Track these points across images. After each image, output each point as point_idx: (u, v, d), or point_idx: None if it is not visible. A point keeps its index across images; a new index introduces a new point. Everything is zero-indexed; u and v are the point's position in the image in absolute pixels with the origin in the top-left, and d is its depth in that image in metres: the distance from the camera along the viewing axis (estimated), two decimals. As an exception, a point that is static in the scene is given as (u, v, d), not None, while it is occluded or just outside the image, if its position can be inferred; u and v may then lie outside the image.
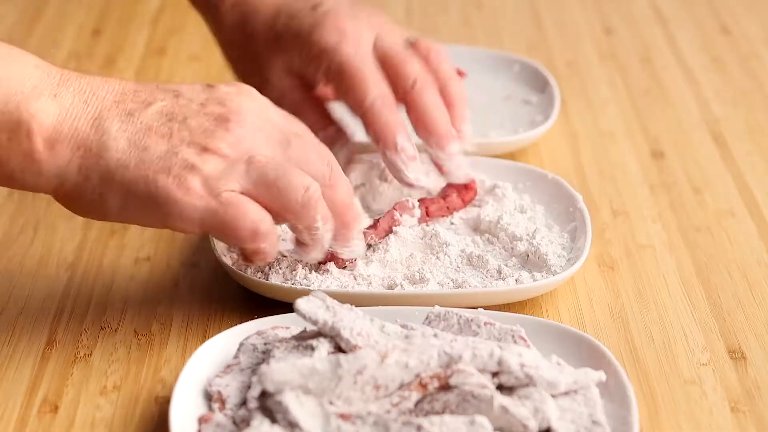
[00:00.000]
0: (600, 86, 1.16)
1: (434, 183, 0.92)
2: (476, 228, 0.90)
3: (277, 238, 0.78)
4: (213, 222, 0.75)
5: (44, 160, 0.74)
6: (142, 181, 0.74)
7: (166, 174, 0.74)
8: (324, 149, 0.80)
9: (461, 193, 0.91)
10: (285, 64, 0.92)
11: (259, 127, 0.77)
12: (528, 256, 0.87)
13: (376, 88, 0.89)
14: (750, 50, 1.23)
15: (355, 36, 0.91)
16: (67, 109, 0.74)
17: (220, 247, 0.86)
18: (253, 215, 0.76)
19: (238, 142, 0.76)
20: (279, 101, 0.84)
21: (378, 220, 0.86)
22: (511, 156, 1.02)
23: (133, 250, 0.91)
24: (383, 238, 0.86)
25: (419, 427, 0.67)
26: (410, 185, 0.90)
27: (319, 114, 0.93)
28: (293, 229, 0.79)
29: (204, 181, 0.75)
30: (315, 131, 0.82)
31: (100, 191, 0.75)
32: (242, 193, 0.76)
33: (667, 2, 1.33)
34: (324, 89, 0.94)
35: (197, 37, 1.26)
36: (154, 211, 0.75)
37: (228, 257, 0.86)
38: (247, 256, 0.79)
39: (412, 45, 0.94)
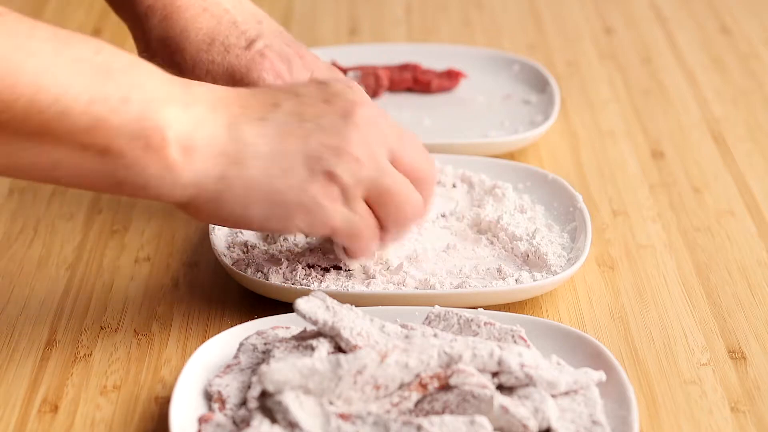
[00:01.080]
0: (600, 86, 1.16)
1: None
2: (476, 228, 0.90)
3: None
4: (346, 229, 0.77)
5: (181, 168, 0.72)
6: (292, 191, 0.74)
7: (312, 182, 0.74)
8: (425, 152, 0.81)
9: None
10: None
11: (378, 121, 0.77)
12: (528, 256, 0.87)
13: None
14: (750, 50, 1.23)
15: (296, 71, 0.90)
16: (199, 117, 0.73)
17: (220, 247, 0.86)
18: (373, 230, 0.78)
19: (365, 141, 0.76)
20: None
21: None
22: (511, 156, 1.02)
23: (133, 250, 0.91)
24: None
25: (419, 427, 0.67)
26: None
27: None
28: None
29: (343, 188, 0.75)
30: None
31: (243, 200, 0.74)
32: (365, 198, 0.77)
33: (667, 2, 1.33)
34: None
35: (197, 37, 1.26)
36: (300, 219, 0.75)
37: (228, 257, 0.86)
38: (352, 255, 0.81)
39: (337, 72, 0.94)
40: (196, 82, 0.75)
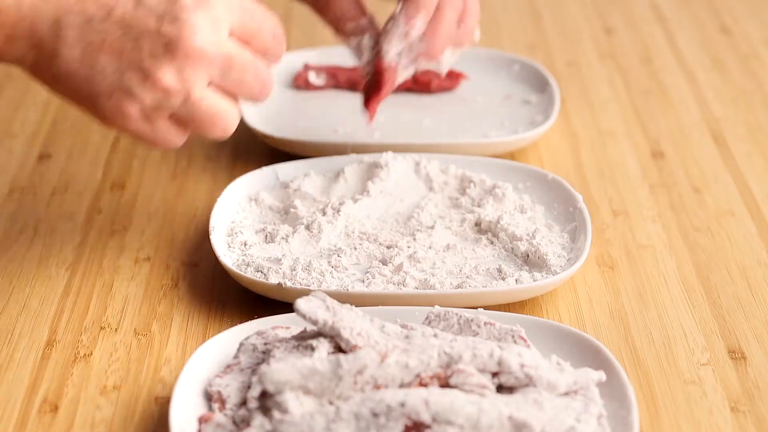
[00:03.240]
0: (600, 86, 1.16)
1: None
2: (476, 228, 0.90)
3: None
4: (140, 139, 0.79)
5: (3, 52, 0.76)
6: (85, 96, 0.77)
7: (107, 97, 0.77)
8: (258, 67, 0.80)
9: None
10: None
11: (205, 51, 0.77)
12: (528, 256, 0.87)
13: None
14: (750, 50, 1.23)
15: None
16: (27, 8, 0.76)
17: (220, 247, 0.86)
18: (176, 141, 0.80)
19: (179, 71, 0.77)
20: None
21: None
22: (511, 156, 1.02)
23: (133, 250, 0.91)
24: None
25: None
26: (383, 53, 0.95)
27: (351, 4, 0.97)
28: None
29: (141, 109, 0.77)
30: (346, 20, 0.88)
31: (51, 85, 0.78)
32: (173, 117, 0.78)
33: (667, 2, 1.33)
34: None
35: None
36: (95, 117, 0.78)
37: (228, 257, 0.86)
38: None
39: None
40: None
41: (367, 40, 0.96)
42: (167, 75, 0.76)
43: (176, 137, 0.80)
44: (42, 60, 0.76)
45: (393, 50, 0.94)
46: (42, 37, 0.76)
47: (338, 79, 1.12)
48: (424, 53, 0.94)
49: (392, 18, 0.93)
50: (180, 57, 0.76)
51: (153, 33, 0.77)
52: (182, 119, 0.78)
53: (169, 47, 0.76)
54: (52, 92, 0.79)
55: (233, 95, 0.79)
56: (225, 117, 0.80)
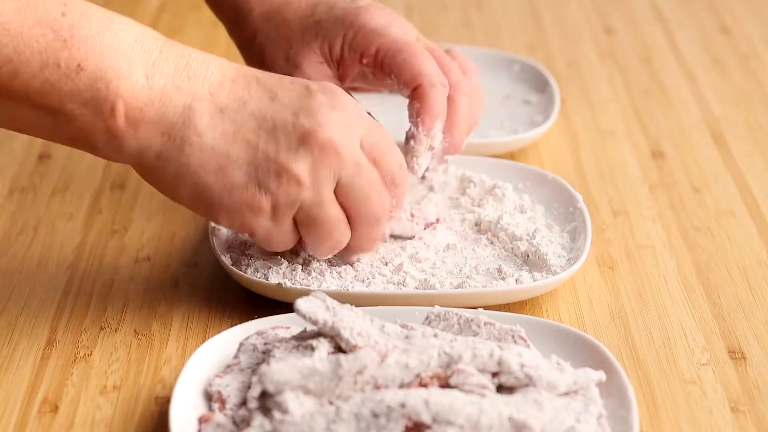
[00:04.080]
0: (600, 86, 1.16)
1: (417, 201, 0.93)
2: (476, 228, 0.90)
3: None
4: (262, 239, 0.79)
5: (126, 138, 0.74)
6: (218, 189, 0.76)
7: (243, 189, 0.76)
8: (382, 187, 0.80)
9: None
10: (321, 50, 0.91)
11: (339, 150, 0.76)
12: (528, 256, 0.87)
13: (434, 68, 0.89)
14: (750, 50, 1.23)
15: (402, 24, 0.91)
16: (158, 93, 0.74)
17: (220, 247, 0.86)
18: (290, 244, 0.80)
19: (314, 168, 0.76)
20: None
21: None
22: (511, 156, 1.02)
23: (133, 250, 0.91)
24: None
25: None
26: (412, 170, 0.90)
27: None
28: None
29: (274, 205, 0.76)
30: None
31: (173, 183, 0.76)
32: (295, 216, 0.78)
33: (667, 2, 1.33)
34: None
35: (197, 37, 1.26)
36: (221, 216, 0.77)
37: (228, 257, 0.86)
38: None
39: (448, 52, 0.93)
40: (179, 50, 0.76)
41: None
42: (302, 168, 0.75)
43: (291, 241, 0.79)
44: (169, 149, 0.74)
45: (423, 167, 0.90)
46: (172, 122, 0.74)
47: None
48: (448, 148, 0.90)
49: (411, 136, 0.88)
50: (315, 149, 0.75)
51: (289, 125, 0.76)
52: (304, 221, 0.77)
53: (304, 140, 0.76)
54: (170, 193, 0.77)
55: (353, 215, 0.79)
56: (341, 232, 0.79)
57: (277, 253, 0.84)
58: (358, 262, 0.84)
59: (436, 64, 0.89)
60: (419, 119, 0.88)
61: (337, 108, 0.77)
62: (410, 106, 0.89)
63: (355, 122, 0.78)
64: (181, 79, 0.75)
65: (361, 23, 0.90)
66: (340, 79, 0.91)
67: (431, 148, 0.89)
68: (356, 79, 0.93)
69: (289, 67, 0.90)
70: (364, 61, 0.90)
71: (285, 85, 0.78)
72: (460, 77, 0.90)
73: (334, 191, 0.78)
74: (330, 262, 0.84)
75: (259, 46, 0.93)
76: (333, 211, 0.78)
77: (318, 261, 0.84)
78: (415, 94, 0.88)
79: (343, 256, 0.84)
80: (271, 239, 0.79)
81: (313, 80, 0.83)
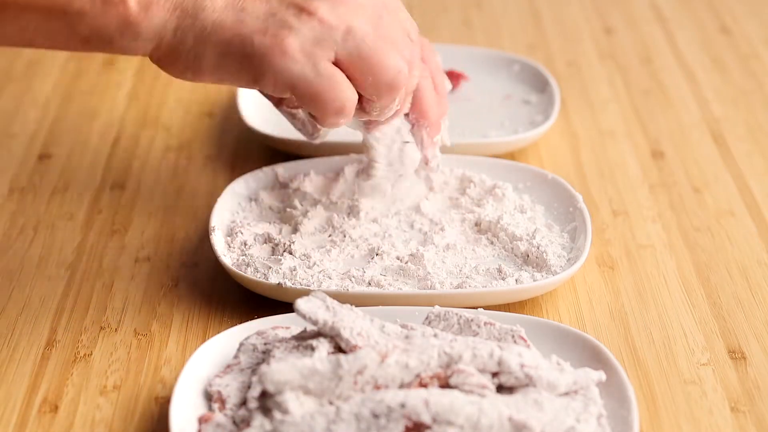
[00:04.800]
0: (600, 86, 1.16)
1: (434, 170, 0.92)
2: (477, 228, 0.90)
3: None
4: (304, 90, 0.75)
5: (140, 23, 0.73)
6: (238, 40, 0.73)
7: (263, 34, 0.73)
8: (408, 33, 0.78)
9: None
10: None
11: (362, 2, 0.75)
12: (528, 256, 0.87)
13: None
14: (750, 50, 1.23)
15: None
16: None
17: (220, 247, 0.86)
18: (345, 93, 0.75)
19: (336, 6, 0.74)
20: None
21: None
22: (511, 156, 1.02)
23: (133, 250, 0.91)
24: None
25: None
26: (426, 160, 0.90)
27: None
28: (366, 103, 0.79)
29: (301, 44, 0.74)
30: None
31: (195, 52, 0.74)
32: (336, 62, 0.75)
33: (667, 2, 1.33)
34: None
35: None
36: (248, 72, 0.74)
37: (228, 257, 0.86)
38: (320, 121, 0.78)
39: None
40: None
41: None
42: (321, 7, 0.73)
43: (346, 87, 0.75)
44: (184, 19, 0.73)
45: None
46: None
47: None
48: (430, 131, 0.90)
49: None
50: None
51: None
52: (349, 59, 0.74)
53: None
54: (194, 67, 0.74)
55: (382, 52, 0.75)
56: (396, 60, 0.75)
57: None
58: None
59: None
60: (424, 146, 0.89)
61: None
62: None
63: None
64: None
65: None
66: None
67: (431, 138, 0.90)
68: None
69: None
70: None
71: None
72: (429, 64, 0.90)
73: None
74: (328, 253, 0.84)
75: None
76: (373, 38, 0.75)
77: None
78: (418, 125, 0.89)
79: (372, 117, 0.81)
80: (313, 88, 0.74)
81: None
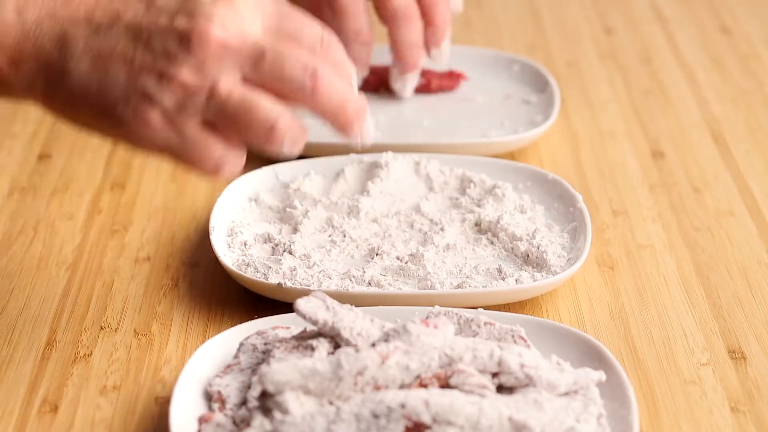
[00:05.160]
0: (600, 86, 1.16)
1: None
2: (477, 228, 0.90)
3: (242, 156, 0.75)
4: (174, 156, 0.73)
5: (11, 78, 0.72)
6: (102, 110, 0.71)
7: (125, 104, 0.71)
8: (300, 55, 0.73)
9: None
10: None
11: (227, 43, 0.71)
12: (528, 256, 0.87)
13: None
14: (750, 50, 1.23)
15: None
16: (32, 25, 0.71)
17: (220, 247, 0.86)
18: (216, 153, 0.73)
19: (199, 66, 0.71)
20: None
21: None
22: (511, 156, 1.02)
23: (133, 250, 0.91)
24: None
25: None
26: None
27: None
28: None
29: (163, 114, 0.71)
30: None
31: (66, 110, 0.73)
32: (206, 122, 0.72)
33: (667, 2, 1.33)
34: None
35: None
36: (119, 137, 0.73)
37: (228, 257, 0.86)
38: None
39: None
40: None
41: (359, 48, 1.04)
42: (184, 71, 0.70)
43: (214, 150, 0.72)
44: (52, 81, 0.71)
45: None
46: (49, 55, 0.71)
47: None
48: (402, 70, 0.99)
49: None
50: (196, 49, 0.70)
51: (165, 30, 0.71)
52: (214, 121, 0.71)
53: (183, 41, 0.70)
54: (73, 123, 0.73)
55: (280, 93, 0.72)
56: (264, 112, 0.71)
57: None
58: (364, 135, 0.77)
59: None
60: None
61: (219, 1, 0.72)
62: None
63: (248, 9, 0.72)
64: (56, 5, 0.72)
65: None
66: None
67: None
68: None
69: None
70: None
71: None
72: None
73: (245, 82, 0.72)
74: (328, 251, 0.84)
75: None
76: (240, 97, 0.71)
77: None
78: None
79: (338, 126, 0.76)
80: (185, 153, 0.72)
81: None
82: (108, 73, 0.71)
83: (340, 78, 0.74)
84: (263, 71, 0.71)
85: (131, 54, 0.71)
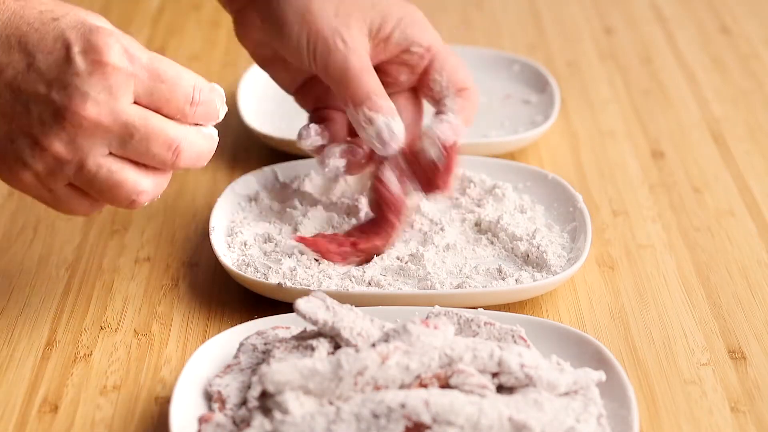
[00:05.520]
0: (600, 86, 1.16)
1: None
2: (477, 228, 0.90)
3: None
4: (47, 205, 0.77)
5: None
6: None
7: (1, 160, 0.75)
8: (166, 133, 0.76)
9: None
10: (371, 22, 0.89)
11: (98, 121, 0.73)
12: (528, 256, 0.87)
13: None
14: (750, 50, 1.23)
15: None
16: None
17: (220, 247, 0.86)
18: (83, 208, 0.77)
19: (71, 141, 0.74)
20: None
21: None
22: (511, 156, 1.02)
23: (133, 250, 0.91)
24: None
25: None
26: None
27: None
28: None
29: (35, 176, 0.75)
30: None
31: None
32: (70, 185, 0.76)
33: (667, 2, 1.33)
34: None
35: (197, 37, 1.26)
36: (10, 184, 0.76)
37: (228, 257, 0.86)
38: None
39: None
40: None
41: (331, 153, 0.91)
42: (56, 143, 0.73)
43: (82, 205, 0.77)
44: None
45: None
46: None
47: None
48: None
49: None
50: (69, 126, 0.73)
51: (42, 99, 0.73)
52: (82, 188, 0.75)
53: (58, 116, 0.73)
54: None
55: (145, 165, 0.76)
56: (129, 187, 0.75)
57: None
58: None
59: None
60: (463, 116, 0.89)
61: (95, 73, 0.73)
62: (450, 102, 0.90)
63: (121, 82, 0.74)
64: None
65: (419, 17, 0.90)
66: (372, 58, 0.89)
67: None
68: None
69: (338, 22, 0.87)
70: (412, 49, 0.89)
71: (47, 44, 0.74)
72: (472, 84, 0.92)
73: (112, 155, 0.75)
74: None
75: None
76: (106, 174, 0.75)
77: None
78: (464, 94, 0.90)
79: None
80: (55, 206, 0.77)
81: (349, 48, 0.85)
82: None
83: (203, 137, 0.77)
84: (129, 149, 0.75)
85: (11, 111, 0.74)
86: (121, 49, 0.74)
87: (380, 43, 0.89)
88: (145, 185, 0.76)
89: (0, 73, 0.74)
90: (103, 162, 0.75)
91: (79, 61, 0.73)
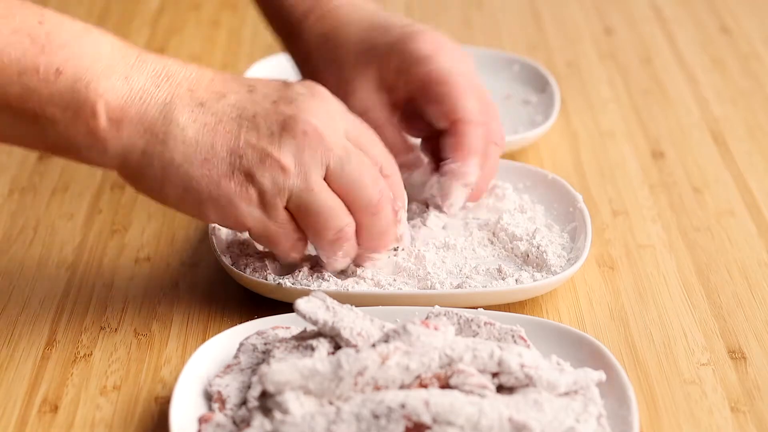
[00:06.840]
0: (600, 86, 1.16)
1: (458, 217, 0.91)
2: (477, 227, 0.90)
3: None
4: (260, 232, 0.78)
5: (109, 139, 0.74)
6: (205, 181, 0.75)
7: (229, 179, 0.75)
8: (376, 172, 0.79)
9: None
10: (376, 76, 0.90)
11: (323, 135, 0.76)
12: (528, 256, 0.87)
13: (475, 104, 0.88)
14: (750, 50, 1.23)
15: (451, 52, 0.90)
16: (137, 91, 0.74)
17: (220, 247, 0.86)
18: (290, 242, 0.79)
19: (298, 152, 0.76)
20: (361, 118, 0.83)
21: None
22: (511, 156, 1.02)
23: (133, 250, 0.91)
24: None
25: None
26: (442, 209, 0.90)
27: (399, 138, 0.90)
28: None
29: (263, 193, 0.76)
30: (394, 155, 0.83)
31: (161, 179, 0.76)
32: (288, 207, 0.77)
33: (667, 2, 1.33)
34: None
35: (197, 37, 1.26)
36: (211, 210, 0.77)
37: (228, 257, 0.86)
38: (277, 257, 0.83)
39: None
40: (157, 56, 0.77)
41: (418, 176, 0.90)
42: (285, 153, 0.75)
43: (289, 239, 0.78)
44: (153, 145, 0.74)
45: (457, 204, 0.89)
46: (154, 119, 0.74)
47: None
48: (470, 195, 0.90)
49: (445, 171, 0.88)
50: (298, 134, 0.76)
51: (269, 112, 0.76)
52: (298, 210, 0.77)
53: (287, 125, 0.76)
54: (157, 192, 0.76)
55: (349, 201, 0.78)
56: (341, 215, 0.78)
57: (291, 267, 0.83)
58: (375, 267, 0.83)
59: (478, 102, 0.89)
60: (455, 154, 0.88)
61: (316, 96, 0.78)
62: (444, 141, 0.89)
63: (337, 112, 0.78)
64: (160, 79, 0.76)
65: (411, 50, 0.89)
66: (393, 106, 0.90)
67: (467, 185, 0.88)
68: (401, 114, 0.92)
69: (342, 93, 0.88)
70: (409, 88, 0.89)
71: (262, 80, 0.79)
72: (498, 126, 0.90)
73: (326, 179, 0.77)
74: (344, 273, 0.84)
75: (314, 67, 0.93)
76: (325, 197, 0.77)
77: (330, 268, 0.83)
78: (451, 128, 0.88)
79: (358, 259, 0.83)
80: (269, 233, 0.78)
81: (368, 109, 0.86)
82: (213, 145, 0.75)
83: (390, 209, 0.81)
84: (345, 173, 0.77)
85: (237, 129, 0.76)
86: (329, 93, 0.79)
87: (392, 89, 0.90)
88: (349, 220, 0.79)
89: (223, 97, 0.76)
90: (323, 184, 0.77)
91: (299, 86, 0.78)
